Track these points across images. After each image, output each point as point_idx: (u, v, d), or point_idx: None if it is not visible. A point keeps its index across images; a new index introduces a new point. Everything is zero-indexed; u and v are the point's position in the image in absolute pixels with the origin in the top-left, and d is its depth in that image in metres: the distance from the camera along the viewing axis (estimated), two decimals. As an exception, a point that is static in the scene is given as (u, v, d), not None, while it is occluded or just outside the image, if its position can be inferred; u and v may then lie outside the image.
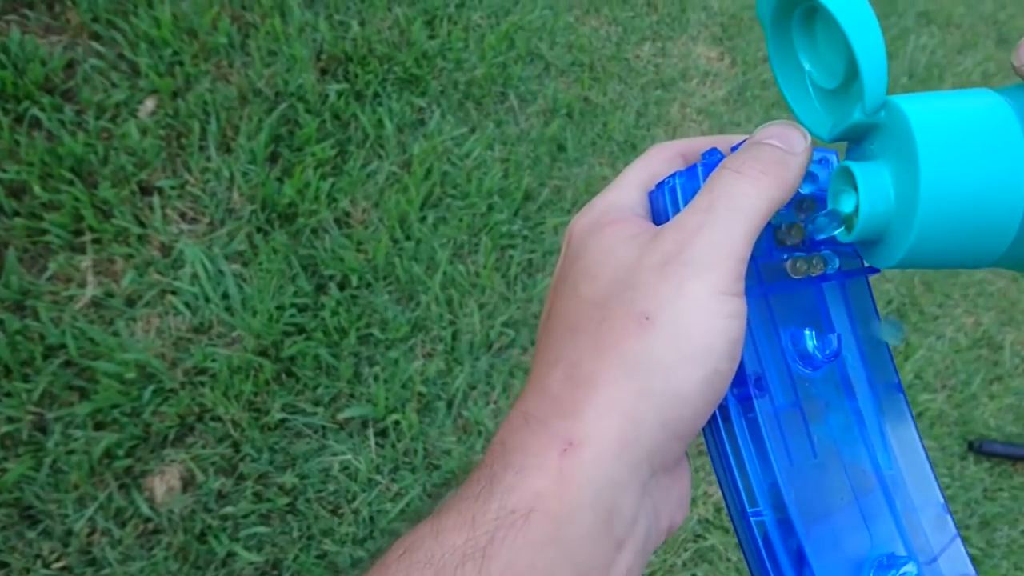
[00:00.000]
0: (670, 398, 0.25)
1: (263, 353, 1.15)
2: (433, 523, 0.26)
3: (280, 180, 1.28)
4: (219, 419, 1.09)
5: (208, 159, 1.26)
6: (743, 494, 0.29)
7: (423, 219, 1.35)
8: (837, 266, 0.31)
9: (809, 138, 0.29)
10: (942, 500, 0.32)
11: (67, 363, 1.06)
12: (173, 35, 1.31)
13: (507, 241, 1.39)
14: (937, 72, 2.24)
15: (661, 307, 0.26)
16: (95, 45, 1.27)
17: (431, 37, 1.55)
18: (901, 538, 0.30)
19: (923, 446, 0.32)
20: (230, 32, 1.36)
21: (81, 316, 1.09)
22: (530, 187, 1.47)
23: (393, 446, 1.15)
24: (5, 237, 1.10)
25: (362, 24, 1.50)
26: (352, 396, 1.17)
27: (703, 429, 0.29)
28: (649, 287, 0.26)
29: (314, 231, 1.27)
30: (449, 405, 1.21)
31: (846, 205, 0.28)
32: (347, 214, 1.31)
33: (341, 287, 1.24)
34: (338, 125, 1.38)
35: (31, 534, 0.97)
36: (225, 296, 1.17)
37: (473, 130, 1.50)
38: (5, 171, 1.12)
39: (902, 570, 0.29)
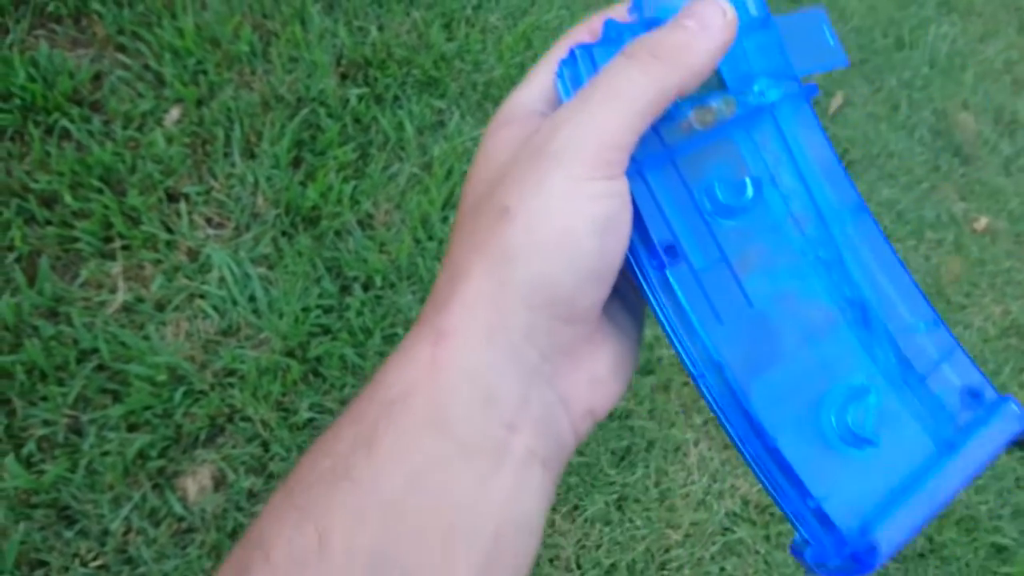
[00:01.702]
0: (532, 285, 0.25)
1: (290, 354, 1.17)
2: (330, 428, 0.27)
3: (303, 184, 1.30)
4: (249, 419, 1.11)
5: (233, 165, 1.28)
6: (685, 359, 0.28)
7: (445, 219, 1.36)
8: (763, 98, 0.30)
9: (731, 14, 0.27)
10: (932, 315, 0.30)
11: (100, 367, 1.08)
12: (196, 45, 1.33)
13: (528, 239, 1.40)
14: (959, 61, 2.22)
15: (520, 199, 0.26)
16: (121, 57, 1.30)
17: (449, 40, 1.57)
18: (872, 368, 0.29)
19: (901, 264, 0.30)
20: (252, 40, 1.38)
21: (113, 321, 1.11)
22: (550, 185, 1.48)
23: (420, 443, 1.17)
24: (38, 246, 1.12)
25: (381, 29, 1.51)
26: (378, 395, 1.19)
27: (644, 297, 0.29)
28: (514, 181, 0.26)
29: (338, 233, 1.28)
30: (474, 402, 1.22)
31: None
32: (370, 216, 1.32)
33: (365, 288, 1.26)
34: (359, 129, 1.40)
35: (69, 534, 0.99)
36: (252, 299, 1.19)
37: (492, 130, 1.51)
38: (37, 181, 1.15)
39: (863, 401, 0.28)
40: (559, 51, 0.31)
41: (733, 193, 0.29)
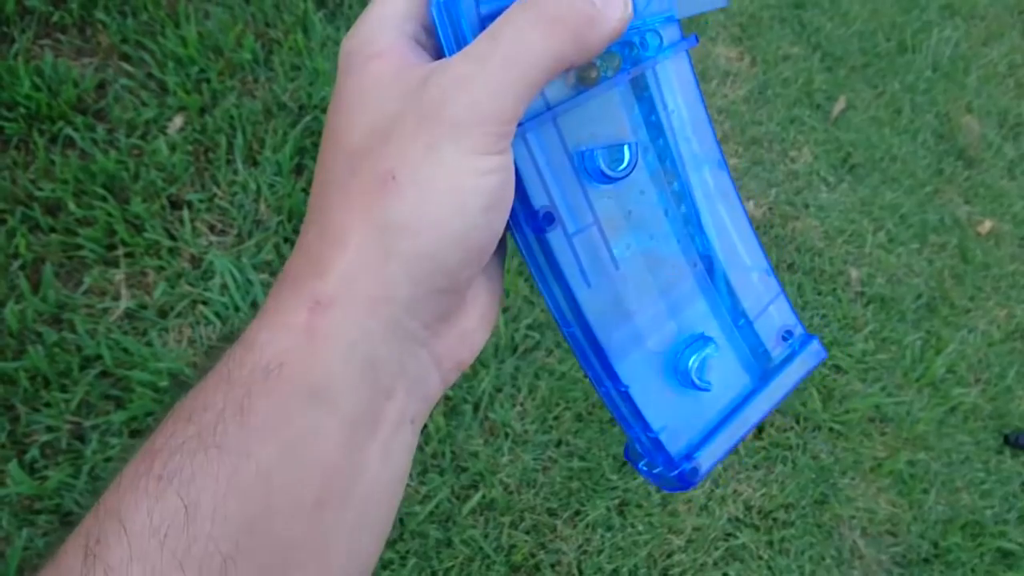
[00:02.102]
0: (418, 259, 0.25)
1: (292, 360, 1.17)
2: (194, 389, 0.25)
3: (306, 191, 1.31)
4: (250, 425, 1.12)
5: (235, 172, 1.29)
6: (556, 314, 0.30)
7: (446, 225, 1.37)
8: (645, 51, 0.30)
9: (630, 8, 0.26)
10: (766, 264, 0.34)
11: (103, 373, 1.09)
12: (199, 53, 1.34)
13: (530, 245, 1.41)
14: (962, 64, 2.22)
15: (409, 167, 0.24)
16: (125, 65, 1.31)
17: (451, 47, 1.57)
18: (712, 316, 0.33)
19: (747, 219, 0.33)
20: (254, 48, 1.39)
21: (116, 328, 1.12)
22: (552, 191, 1.48)
23: (421, 449, 1.17)
24: (42, 253, 1.13)
25: (382, 36, 1.52)
26: (380, 400, 1.19)
27: (521, 255, 0.30)
28: (403, 143, 0.25)
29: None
30: (476, 408, 1.22)
31: None
32: (371, 222, 1.33)
33: (367, 294, 1.26)
34: (361, 136, 1.41)
35: (71, 539, 1.00)
36: (254, 305, 1.20)
37: (494, 137, 1.51)
38: (41, 189, 1.16)
39: (703, 352, 0.32)
40: None
41: (612, 161, 0.29)
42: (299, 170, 1.33)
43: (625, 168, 0.30)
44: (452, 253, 0.25)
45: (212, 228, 1.25)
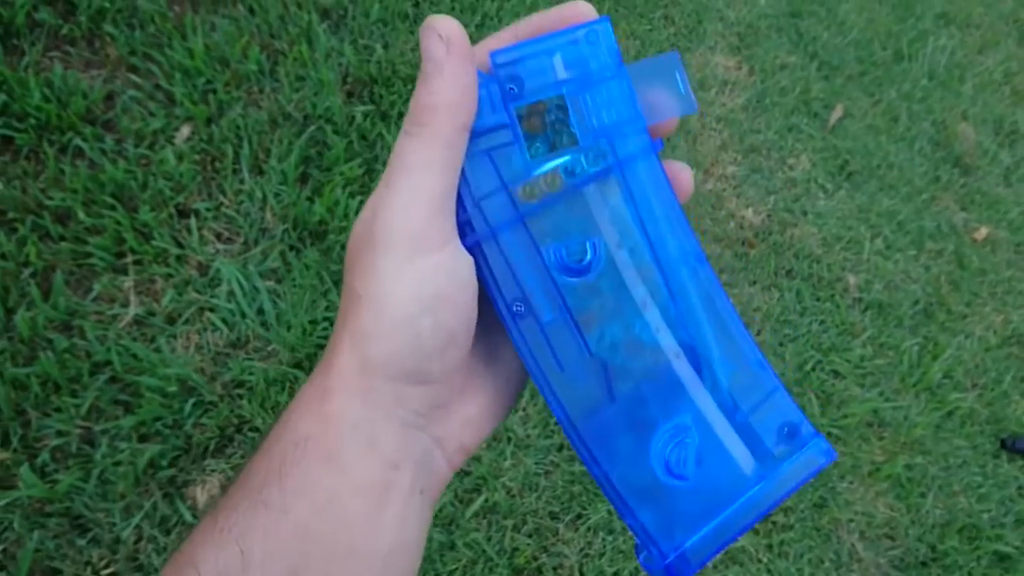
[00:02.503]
0: (386, 362, 0.29)
1: (298, 365, 1.19)
2: (248, 461, 0.31)
3: (311, 199, 1.33)
4: (257, 430, 1.14)
5: (241, 181, 1.31)
6: (542, 392, 0.32)
7: (449, 233, 1.38)
8: (610, 157, 0.31)
9: (454, 35, 0.28)
10: (757, 357, 0.33)
11: (112, 379, 1.11)
12: (206, 65, 1.37)
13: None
14: (958, 73, 2.24)
15: (363, 284, 0.29)
16: (133, 77, 1.33)
17: (453, 57, 1.60)
18: (697, 408, 0.33)
19: (734, 312, 0.33)
20: (260, 60, 1.42)
21: (125, 334, 1.14)
22: (553, 199, 1.51)
23: (425, 453, 1.19)
24: (52, 261, 1.15)
25: (386, 47, 1.55)
26: (384, 405, 1.21)
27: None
28: (357, 265, 0.29)
29: (344, 247, 1.31)
30: (478, 412, 1.24)
31: None
32: (375, 230, 1.35)
33: (371, 300, 1.28)
34: (365, 145, 1.43)
35: (81, 542, 1.01)
36: (260, 312, 1.22)
37: (496, 145, 1.53)
38: (51, 198, 1.18)
39: (682, 441, 0.32)
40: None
41: (576, 255, 0.32)
42: (304, 179, 1.36)
43: (588, 262, 0.32)
44: (409, 355, 0.29)
45: (219, 236, 1.27)
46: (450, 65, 0.28)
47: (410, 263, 0.28)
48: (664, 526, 0.32)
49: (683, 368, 0.33)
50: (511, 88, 0.30)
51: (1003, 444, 1.55)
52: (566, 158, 0.31)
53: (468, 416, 0.32)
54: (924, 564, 1.41)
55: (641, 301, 0.32)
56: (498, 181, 0.31)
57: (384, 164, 1.39)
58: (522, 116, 0.30)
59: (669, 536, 0.32)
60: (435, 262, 0.28)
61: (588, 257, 0.32)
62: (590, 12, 0.30)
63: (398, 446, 0.30)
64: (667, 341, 0.33)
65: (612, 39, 0.31)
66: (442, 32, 0.28)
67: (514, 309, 0.31)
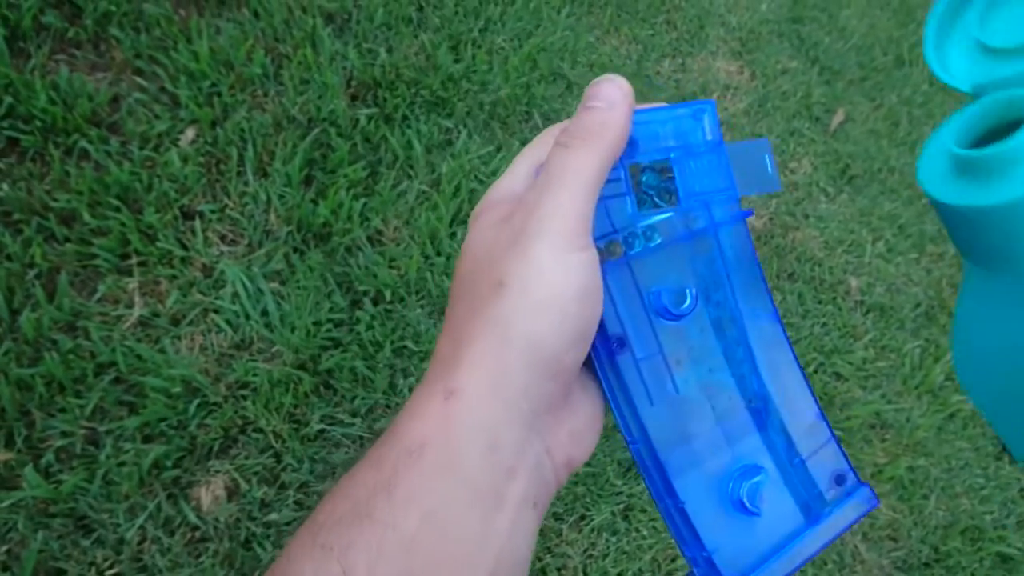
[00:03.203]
0: (528, 343, 0.29)
1: (302, 367, 1.19)
2: (350, 472, 0.30)
3: (315, 202, 1.33)
4: (261, 431, 1.14)
5: (246, 184, 1.31)
6: (623, 429, 0.34)
7: (453, 235, 1.39)
8: (708, 220, 0.36)
9: (627, 88, 0.33)
10: (816, 410, 0.37)
11: (117, 379, 1.11)
12: (211, 68, 1.37)
13: (534, 254, 1.43)
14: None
15: (511, 272, 0.30)
16: (138, 80, 1.34)
17: (456, 61, 1.60)
18: (765, 450, 0.36)
19: (799, 366, 0.37)
20: (264, 63, 1.42)
21: (129, 335, 1.14)
22: (555, 202, 1.51)
23: (428, 454, 1.19)
24: (57, 262, 1.16)
25: (390, 51, 1.55)
26: (388, 407, 1.21)
27: (598, 379, 0.35)
28: (502, 259, 0.31)
29: (348, 249, 1.31)
30: (482, 414, 1.24)
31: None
32: (379, 232, 1.36)
33: (375, 302, 1.28)
34: (369, 148, 1.43)
35: (85, 542, 1.01)
36: (264, 313, 1.22)
37: (499, 149, 1.54)
38: (56, 200, 1.19)
39: (754, 479, 0.35)
40: (537, 147, 0.36)
41: (675, 301, 0.35)
42: (308, 181, 1.36)
43: (686, 308, 0.35)
44: (553, 336, 0.30)
45: (223, 238, 1.27)
46: (623, 106, 0.32)
47: (566, 254, 0.30)
48: (729, 559, 0.34)
49: (755, 413, 0.36)
50: (628, 148, 0.34)
51: (1005, 447, 1.55)
52: (668, 214, 0.35)
53: (575, 428, 0.33)
54: (927, 565, 1.41)
55: (723, 349, 0.36)
56: (610, 226, 0.34)
57: (388, 167, 1.40)
58: (634, 174, 0.34)
59: (732, 567, 0.34)
60: (584, 258, 0.31)
61: (687, 303, 0.35)
62: (620, 88, 0.33)
63: (517, 450, 0.30)
64: (743, 388, 0.36)
65: (716, 118, 0.36)
66: (620, 84, 0.33)
67: (613, 343, 0.34)
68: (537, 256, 0.30)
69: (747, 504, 0.34)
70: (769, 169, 0.36)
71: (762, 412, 0.36)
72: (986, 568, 1.43)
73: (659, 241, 0.35)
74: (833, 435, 0.37)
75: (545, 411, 0.31)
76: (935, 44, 0.35)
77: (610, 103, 0.32)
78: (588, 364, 0.34)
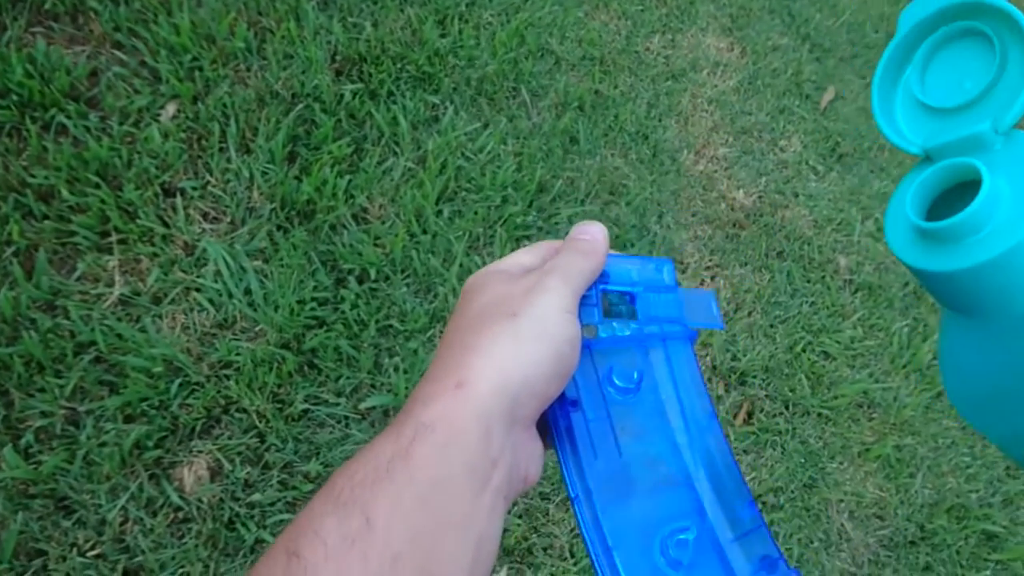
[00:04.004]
0: (530, 361, 0.36)
1: (285, 346, 1.18)
2: (365, 446, 0.35)
3: (298, 179, 1.31)
4: (244, 411, 1.12)
5: (228, 160, 1.29)
6: (568, 483, 0.39)
7: (439, 213, 1.37)
8: (629, 331, 0.43)
9: (605, 232, 0.44)
10: (749, 499, 0.41)
11: (97, 359, 1.09)
12: (192, 41, 1.34)
13: (522, 232, 1.42)
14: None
15: (524, 310, 0.38)
16: (117, 53, 1.31)
17: (443, 36, 1.58)
18: (697, 521, 0.40)
19: (733, 460, 0.42)
20: (247, 37, 1.39)
21: (109, 314, 1.13)
22: (543, 179, 1.49)
23: (414, 434, 1.18)
24: (35, 240, 1.14)
25: (375, 25, 1.53)
26: (373, 386, 1.20)
27: (552, 438, 0.41)
28: (518, 299, 0.39)
29: (332, 227, 1.30)
30: (468, 393, 1.23)
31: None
32: (364, 210, 1.34)
33: (360, 281, 1.27)
34: (354, 124, 1.41)
35: (66, 523, 1.00)
36: (248, 292, 1.20)
37: (486, 125, 1.52)
38: (34, 176, 1.16)
39: (681, 536, 0.39)
40: (531, 252, 0.45)
41: (625, 377, 0.42)
42: (292, 158, 1.34)
43: (633, 385, 0.42)
44: (547, 366, 0.37)
45: (205, 215, 1.25)
46: (604, 243, 0.44)
47: (565, 312, 0.39)
48: None
49: (689, 490, 0.40)
50: (602, 277, 0.44)
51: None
52: (624, 322, 0.43)
53: (531, 452, 0.38)
54: (912, 543, 1.42)
55: (664, 432, 0.41)
56: (579, 323, 0.40)
57: (373, 143, 1.38)
58: (604, 295, 0.43)
59: None
60: (574, 320, 0.39)
61: (635, 379, 0.42)
62: (601, 230, 0.44)
63: (500, 445, 0.35)
64: (680, 464, 0.41)
65: (673, 272, 0.46)
66: (603, 229, 0.44)
67: (568, 403, 0.40)
68: (546, 303, 0.38)
69: (670, 559, 0.38)
70: (714, 311, 0.46)
71: (697, 492, 0.40)
72: (971, 545, 1.44)
73: (621, 334, 0.43)
74: (764, 523, 0.41)
75: (520, 426, 0.37)
76: (881, 106, 0.36)
77: (594, 239, 0.43)
78: (539, 424, 0.40)
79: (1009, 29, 0.31)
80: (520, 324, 0.37)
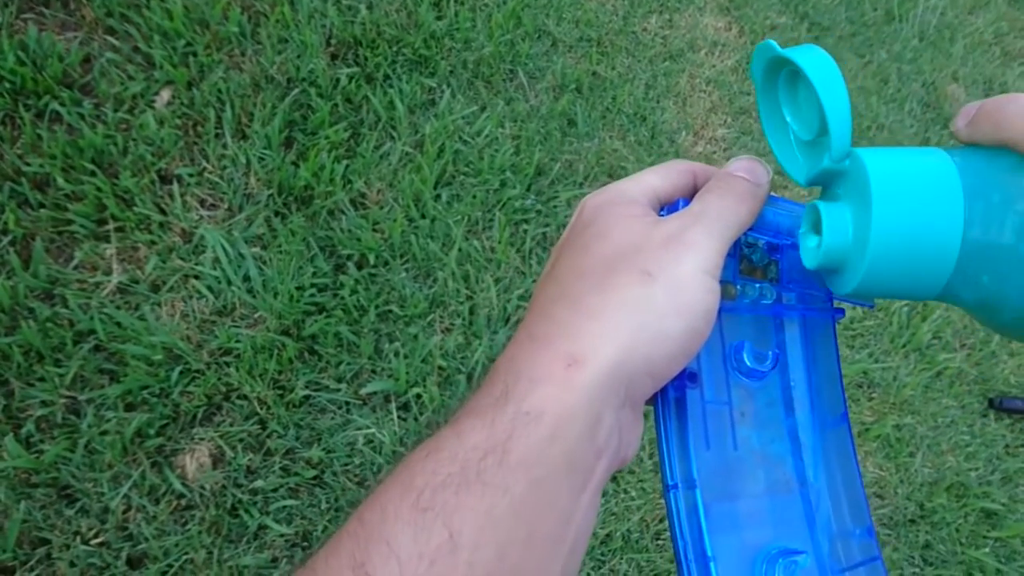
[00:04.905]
0: (658, 336, 0.30)
1: (285, 332, 1.18)
2: (454, 427, 0.29)
3: (295, 164, 1.30)
4: (245, 397, 1.12)
5: (224, 146, 1.28)
6: (666, 470, 0.33)
7: (437, 197, 1.37)
8: (771, 298, 0.36)
9: (770, 173, 0.35)
10: (868, 524, 0.36)
11: (97, 347, 1.09)
12: (186, 26, 1.33)
13: (521, 216, 1.41)
14: (948, 33, 2.22)
15: (662, 268, 0.31)
16: (110, 39, 1.30)
17: (438, 18, 1.57)
18: (809, 542, 0.34)
19: (859, 474, 0.36)
20: (241, 21, 1.38)
21: (108, 302, 1.12)
22: (542, 162, 1.49)
23: (415, 419, 1.18)
24: (32, 229, 1.13)
25: (370, 8, 1.51)
26: (374, 372, 1.20)
27: (655, 409, 0.35)
28: (654, 253, 0.32)
29: (331, 213, 1.29)
30: (469, 378, 1.23)
31: (811, 240, 0.33)
32: (362, 195, 1.33)
33: (359, 266, 1.26)
34: (350, 108, 1.40)
35: (69, 512, 1.00)
36: (246, 279, 1.20)
37: (483, 108, 1.51)
38: (29, 164, 1.15)
39: (792, 558, 0.33)
40: (660, 173, 0.36)
41: (756, 358, 0.35)
42: (288, 143, 1.33)
43: (765, 367, 0.35)
44: (679, 341, 0.31)
45: (202, 202, 1.24)
46: (766, 187, 0.35)
47: (707, 275, 0.32)
48: None
49: (805, 500, 0.35)
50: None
51: (991, 403, 1.55)
52: (765, 285, 0.36)
53: (637, 434, 0.33)
54: (912, 522, 1.43)
55: (788, 427, 0.36)
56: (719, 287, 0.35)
57: (370, 127, 1.37)
58: (747, 244, 0.36)
59: None
60: (716, 287, 0.32)
61: (766, 363, 0.35)
62: (766, 170, 0.36)
63: (607, 434, 0.30)
64: (798, 470, 0.35)
65: None
66: (767, 168, 0.35)
67: (686, 377, 0.33)
68: (689, 265, 0.31)
69: None
70: None
71: (812, 505, 0.35)
72: (971, 524, 1.44)
73: (757, 300, 0.36)
74: (880, 555, 0.35)
75: (628, 407, 0.31)
76: (773, 138, 0.36)
77: (756, 179, 0.35)
78: None
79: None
80: (654, 290, 0.31)
